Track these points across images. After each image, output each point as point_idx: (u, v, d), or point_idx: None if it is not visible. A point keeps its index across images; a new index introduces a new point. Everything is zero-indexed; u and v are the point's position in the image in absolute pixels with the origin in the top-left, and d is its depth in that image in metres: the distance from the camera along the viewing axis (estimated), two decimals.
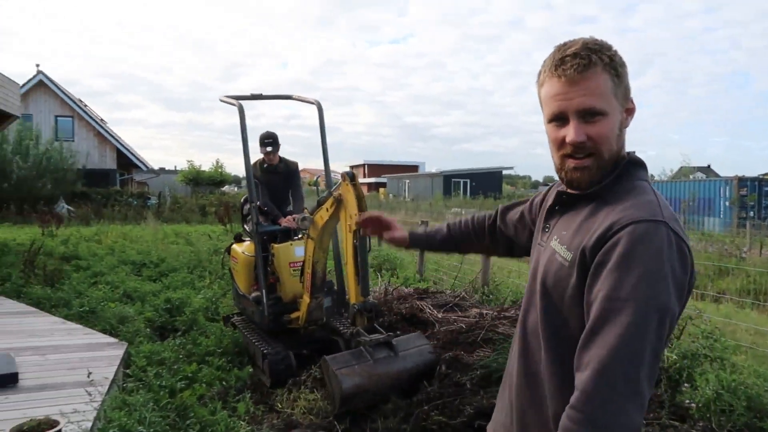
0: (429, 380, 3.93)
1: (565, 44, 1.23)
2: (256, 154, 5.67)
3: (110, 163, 28.29)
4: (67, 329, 5.59)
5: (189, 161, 35.33)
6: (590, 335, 1.11)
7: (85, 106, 30.53)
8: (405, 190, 51.31)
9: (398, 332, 4.23)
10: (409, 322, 5.34)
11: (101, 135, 28.04)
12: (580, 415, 1.07)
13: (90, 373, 3.77)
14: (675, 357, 4.11)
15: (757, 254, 13.29)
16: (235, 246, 5.78)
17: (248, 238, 5.64)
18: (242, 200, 5.85)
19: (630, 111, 1.26)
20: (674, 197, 23.43)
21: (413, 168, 62.88)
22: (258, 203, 5.28)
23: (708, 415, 3.55)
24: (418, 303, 5.76)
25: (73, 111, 27.62)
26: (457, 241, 1.88)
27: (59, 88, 27.43)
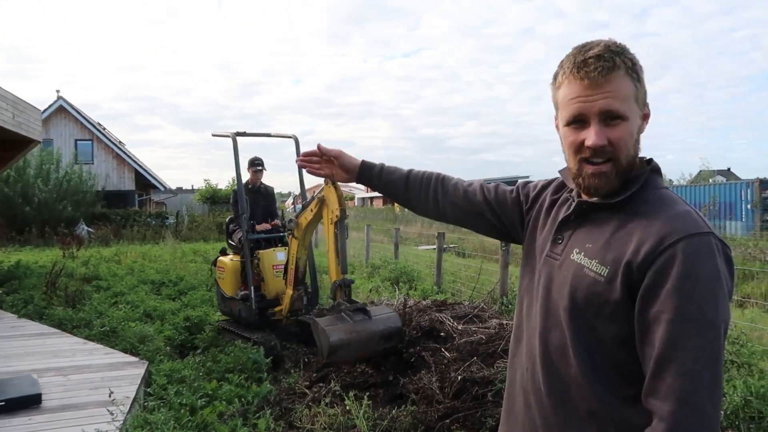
0: (399, 342, 4.67)
1: (585, 45, 1.20)
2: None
3: (129, 184, 28.69)
4: (89, 349, 5.65)
5: (206, 180, 35.77)
6: (663, 362, 1.07)
7: (104, 129, 31.07)
8: None
9: (371, 304, 5.22)
10: (429, 335, 5.30)
11: (120, 157, 28.48)
12: None
13: (112, 393, 3.79)
14: None
15: None
16: (221, 258, 6.85)
17: (231, 252, 6.82)
18: (227, 220, 7.06)
19: (646, 117, 1.24)
20: (694, 201, 23.11)
21: None
22: (246, 215, 6.28)
23: (737, 423, 3.47)
24: (437, 315, 5.71)
25: (93, 134, 28.11)
26: (412, 191, 1.67)
27: (79, 113, 27.96)
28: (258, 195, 6.93)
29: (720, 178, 35.93)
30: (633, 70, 1.17)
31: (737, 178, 35.64)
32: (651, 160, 1.27)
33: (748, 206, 21.08)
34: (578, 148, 1.20)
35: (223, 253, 6.99)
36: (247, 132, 6.61)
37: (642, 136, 1.24)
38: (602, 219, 1.23)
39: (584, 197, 1.28)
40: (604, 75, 1.14)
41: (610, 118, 1.16)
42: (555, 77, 1.25)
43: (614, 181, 1.19)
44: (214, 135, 6.63)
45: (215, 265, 6.98)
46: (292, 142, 6.74)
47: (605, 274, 1.16)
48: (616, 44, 1.19)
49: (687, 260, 1.07)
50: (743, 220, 21.02)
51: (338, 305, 4.56)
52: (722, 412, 3.53)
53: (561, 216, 1.33)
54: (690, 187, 25.30)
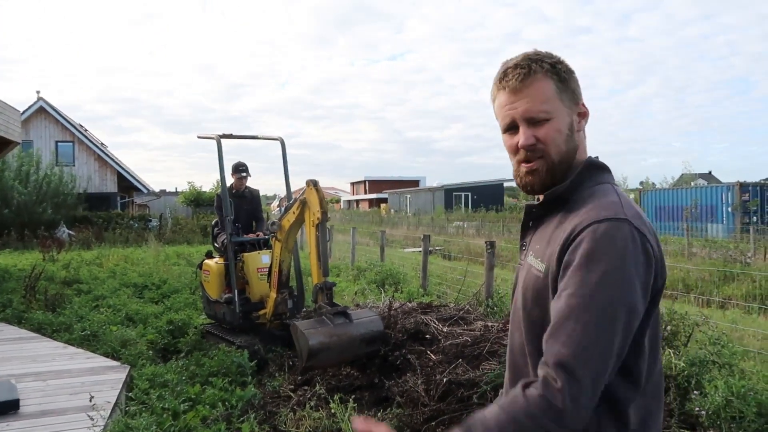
0: (382, 345, 4.65)
1: (509, 59, 1.30)
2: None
3: (111, 186, 28.35)
4: (69, 354, 5.56)
5: (189, 182, 35.51)
6: (553, 330, 1.11)
7: (86, 130, 30.70)
8: (406, 205, 51.32)
9: (352, 308, 5.17)
10: (414, 338, 5.29)
11: (102, 159, 28.15)
12: (541, 395, 1.06)
13: (92, 398, 3.73)
14: (683, 364, 4.06)
15: (762, 259, 13.24)
16: (206, 261, 6.77)
17: (217, 255, 6.75)
18: (213, 223, 7.01)
19: (582, 115, 1.29)
20: (676, 204, 23.40)
21: (414, 183, 62.92)
22: (231, 217, 6.24)
23: (718, 423, 3.50)
24: (422, 317, 5.71)
25: (74, 136, 27.75)
26: None
27: (60, 114, 27.59)
28: (242, 199, 6.91)
29: (701, 182, 36.45)
30: (554, 71, 1.24)
31: (718, 182, 36.17)
32: (591, 157, 1.31)
33: (729, 209, 21.39)
34: (515, 151, 1.28)
35: (209, 256, 6.93)
36: (233, 134, 6.56)
37: (582, 133, 1.31)
38: (549, 219, 1.30)
39: (532, 200, 1.36)
40: (521, 81, 1.23)
41: (535, 119, 1.23)
42: (491, 92, 1.34)
43: (546, 177, 1.26)
44: (199, 137, 6.57)
45: (200, 268, 6.90)
46: (278, 144, 6.74)
47: (543, 270, 1.22)
48: (537, 52, 1.28)
49: (592, 241, 1.11)
50: (724, 222, 21.32)
51: (319, 308, 4.52)
52: (704, 412, 3.57)
53: (522, 223, 1.42)
54: (672, 191, 25.61)
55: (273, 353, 5.73)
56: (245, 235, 6.61)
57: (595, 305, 1.07)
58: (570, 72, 1.27)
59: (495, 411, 1.11)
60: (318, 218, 4.70)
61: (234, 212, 6.54)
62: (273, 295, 5.75)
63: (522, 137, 1.24)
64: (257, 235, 6.70)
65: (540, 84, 1.23)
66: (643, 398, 1.20)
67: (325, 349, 4.21)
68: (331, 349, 4.25)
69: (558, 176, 1.26)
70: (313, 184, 4.82)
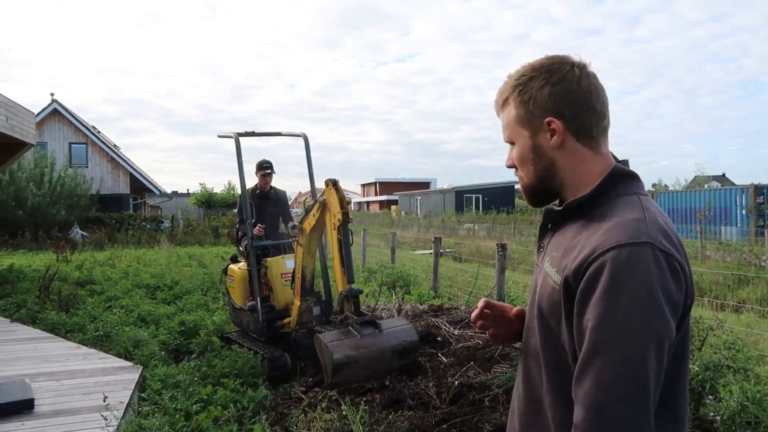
0: (413, 357, 4.31)
1: (509, 75, 1.34)
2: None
3: (123, 187, 28.59)
4: (83, 354, 5.60)
5: (201, 184, 35.76)
6: (583, 368, 1.07)
7: (99, 132, 30.97)
8: (417, 207, 51.30)
9: (382, 317, 4.86)
10: (425, 340, 5.29)
11: (114, 160, 28.39)
12: None
13: (105, 398, 3.76)
14: (697, 369, 4.02)
15: None
16: (231, 266, 6.43)
17: (242, 259, 6.34)
18: (236, 226, 6.68)
19: (548, 125, 1.25)
20: (689, 207, 23.20)
21: (424, 185, 62.90)
22: (252, 220, 5.97)
23: (733, 428, 3.46)
24: (433, 320, 5.71)
25: (87, 137, 28.02)
26: None
27: (73, 116, 27.88)
28: (267, 200, 6.59)
29: (715, 184, 36.11)
30: (519, 94, 1.27)
31: (732, 184, 35.83)
32: (618, 164, 1.26)
33: (743, 212, 21.17)
34: None
35: (234, 260, 6.59)
36: (255, 132, 6.31)
37: (569, 147, 1.25)
38: (568, 225, 1.26)
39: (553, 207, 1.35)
40: (499, 113, 1.34)
41: (510, 143, 1.34)
42: None
43: (528, 193, 1.34)
44: (219, 136, 6.25)
45: (225, 273, 6.59)
46: (289, 146, 6.66)
47: (558, 282, 1.17)
48: (513, 75, 1.30)
49: (613, 270, 1.06)
50: (738, 225, 21.10)
51: (345, 318, 4.21)
52: (718, 417, 3.53)
53: (541, 224, 1.40)
54: (685, 193, 25.40)
55: (302, 363, 5.38)
56: (270, 239, 6.27)
57: (622, 338, 1.03)
58: (531, 81, 1.25)
59: None
60: (339, 220, 4.41)
61: (258, 213, 6.30)
62: (297, 302, 5.34)
63: (507, 159, 1.37)
64: (259, 227, 6.25)
65: (507, 113, 1.31)
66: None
67: (352, 363, 3.86)
68: (358, 362, 3.89)
69: (544, 192, 1.31)
70: (333, 183, 4.53)
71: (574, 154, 1.26)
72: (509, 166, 1.36)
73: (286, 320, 5.55)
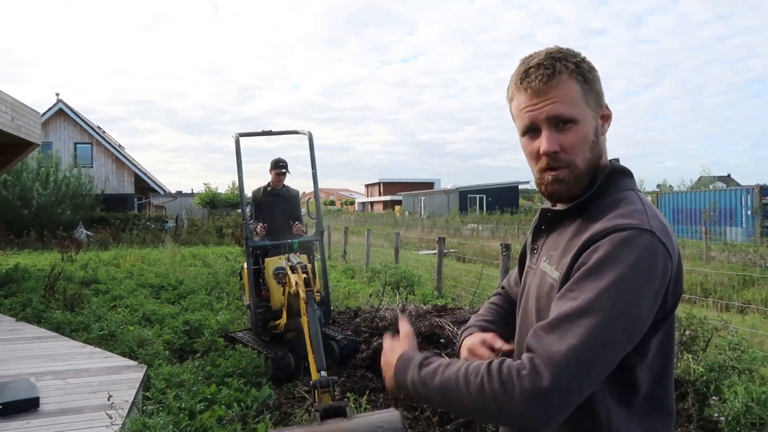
0: None
1: (529, 56, 1.21)
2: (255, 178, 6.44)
3: (128, 187, 28.69)
4: (87, 353, 5.62)
5: (206, 184, 35.83)
6: (553, 326, 1.05)
7: (104, 132, 31.08)
8: (421, 207, 51.29)
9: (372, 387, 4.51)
10: (429, 341, 5.29)
11: (119, 160, 28.49)
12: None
13: (110, 397, 3.77)
14: (702, 369, 4.01)
15: None
16: (244, 265, 6.38)
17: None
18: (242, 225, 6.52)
19: (606, 117, 1.22)
20: (694, 207, 23.13)
21: (429, 185, 62.94)
22: (252, 220, 6.03)
23: (738, 429, 3.45)
24: (437, 320, 5.70)
25: (92, 138, 28.13)
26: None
27: (78, 116, 27.98)
28: (278, 198, 6.61)
29: (720, 184, 35.99)
30: (578, 72, 1.16)
31: (737, 184, 35.68)
32: (613, 162, 1.25)
33: (749, 212, 21.09)
34: (536, 156, 1.20)
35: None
36: (273, 131, 6.32)
37: (606, 136, 1.23)
38: (565, 225, 1.23)
39: (548, 205, 1.30)
40: (545, 82, 1.15)
41: (560, 122, 1.15)
42: (507, 91, 1.26)
43: (573, 186, 1.19)
44: (240, 135, 6.07)
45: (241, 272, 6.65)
46: (292, 146, 6.60)
47: (558, 279, 1.16)
48: (560, 50, 1.19)
49: (610, 247, 1.06)
50: (743, 226, 21.02)
51: (316, 409, 3.62)
52: (723, 418, 3.52)
53: (534, 225, 1.35)
54: (690, 193, 25.32)
55: (306, 363, 5.14)
56: (282, 237, 6.19)
57: (598, 313, 1.02)
58: (593, 71, 1.19)
59: (459, 368, 1.09)
60: (304, 299, 4.12)
61: (269, 212, 6.36)
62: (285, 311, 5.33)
63: (545, 142, 1.16)
64: (296, 231, 6.26)
65: (565, 85, 1.15)
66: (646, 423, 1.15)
67: None
68: None
69: (584, 184, 1.19)
70: (302, 268, 4.48)
71: (604, 147, 1.24)
72: (551, 152, 1.16)
73: (278, 321, 5.60)
